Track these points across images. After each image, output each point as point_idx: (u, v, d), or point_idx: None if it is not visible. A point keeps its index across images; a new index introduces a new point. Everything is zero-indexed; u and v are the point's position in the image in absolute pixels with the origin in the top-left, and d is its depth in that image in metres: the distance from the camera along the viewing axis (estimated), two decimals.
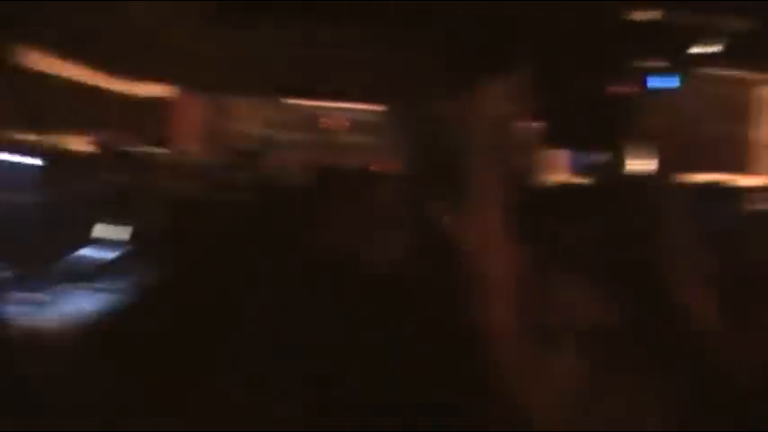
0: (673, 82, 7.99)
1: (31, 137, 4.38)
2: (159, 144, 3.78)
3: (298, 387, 2.49)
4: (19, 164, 3.18)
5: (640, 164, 7.30)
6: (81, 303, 2.46)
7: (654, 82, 8.02)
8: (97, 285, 2.63)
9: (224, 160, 7.60)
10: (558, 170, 8.06)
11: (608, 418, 1.43)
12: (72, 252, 2.84)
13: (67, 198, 2.97)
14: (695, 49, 7.73)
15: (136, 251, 3.03)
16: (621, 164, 7.43)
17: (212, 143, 9.09)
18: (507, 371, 1.52)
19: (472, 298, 1.55)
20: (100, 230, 3.04)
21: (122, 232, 3.10)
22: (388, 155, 9.26)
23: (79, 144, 5.41)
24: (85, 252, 2.91)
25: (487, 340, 1.57)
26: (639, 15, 7.52)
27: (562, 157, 8.32)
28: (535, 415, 1.49)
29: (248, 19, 8.35)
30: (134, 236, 3.14)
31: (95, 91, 8.62)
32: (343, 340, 3.47)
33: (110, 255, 2.92)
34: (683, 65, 8.18)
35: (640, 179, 4.49)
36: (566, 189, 5.30)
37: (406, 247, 4.91)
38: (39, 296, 2.41)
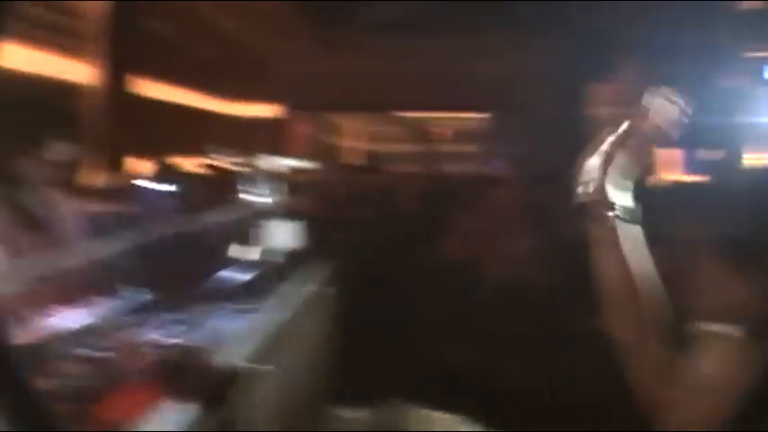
0: None
1: (159, 163, 4.54)
2: (274, 164, 3.88)
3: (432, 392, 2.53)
4: (154, 189, 3.31)
5: (758, 159, 7.07)
6: (223, 323, 2.56)
7: None
8: (237, 305, 2.72)
9: (338, 176, 7.69)
10: (673, 168, 7.90)
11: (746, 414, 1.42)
12: (211, 273, 2.94)
13: (202, 220, 3.08)
14: None
15: (271, 269, 3.12)
16: (738, 159, 7.21)
17: (325, 160, 9.21)
18: (637, 372, 1.54)
19: (596, 299, 1.56)
20: (235, 251, 3.14)
21: (255, 252, 3.19)
22: (501, 162, 9.21)
23: (202, 167, 5.59)
24: (223, 273, 3.01)
25: (613, 341, 1.58)
26: (751, 5, 7.33)
27: (676, 154, 8.14)
28: (674, 415, 1.49)
29: (355, 37, 8.47)
30: (267, 254, 3.23)
31: (211, 115, 8.89)
32: (472, 342, 3.48)
33: (247, 275, 3.01)
34: None
35: (757, 175, 4.35)
36: (682, 187, 5.20)
37: (530, 250, 4.84)
38: (182, 318, 2.51)
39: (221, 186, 3.78)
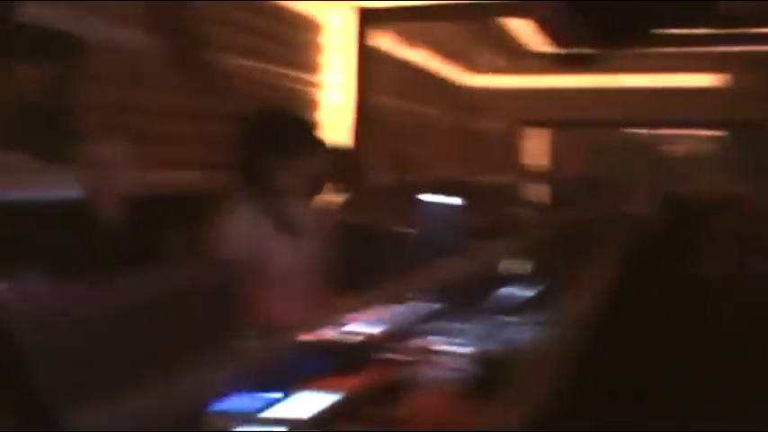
0: None
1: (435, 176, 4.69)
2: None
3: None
4: (434, 203, 3.43)
5: None
6: (506, 336, 2.64)
7: None
8: (519, 319, 2.80)
9: (571, 189, 7.69)
10: None
11: None
12: (491, 287, 3.04)
13: (473, 233, 3.16)
14: None
15: (546, 286, 3.18)
16: None
17: (560, 174, 9.23)
18: None
19: None
20: (505, 265, 3.22)
21: (526, 266, 3.26)
22: (733, 180, 8.91)
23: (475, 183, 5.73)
24: (503, 287, 3.10)
25: None
26: None
27: None
28: None
29: (584, 57, 8.47)
30: (538, 268, 3.29)
31: (448, 130, 9.12)
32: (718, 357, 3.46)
33: (525, 289, 3.09)
34: None
35: None
36: None
37: None
38: (470, 328, 2.61)
39: (492, 201, 3.86)
